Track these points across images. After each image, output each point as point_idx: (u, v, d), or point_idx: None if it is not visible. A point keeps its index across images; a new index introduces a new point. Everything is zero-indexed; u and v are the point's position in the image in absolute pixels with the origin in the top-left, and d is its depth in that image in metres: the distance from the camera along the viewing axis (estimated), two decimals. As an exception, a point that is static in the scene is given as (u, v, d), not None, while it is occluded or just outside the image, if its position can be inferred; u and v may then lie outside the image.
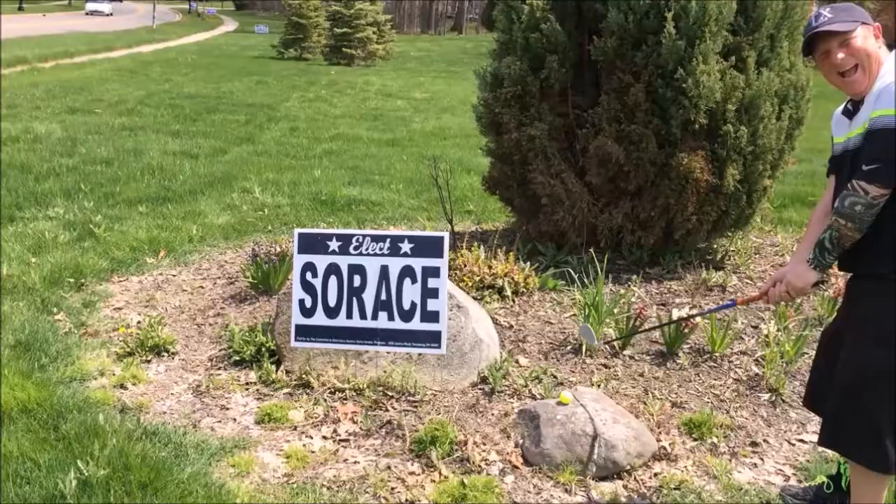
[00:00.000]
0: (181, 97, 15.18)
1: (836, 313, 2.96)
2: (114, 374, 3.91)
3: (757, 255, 5.75)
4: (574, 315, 4.52)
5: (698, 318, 4.18)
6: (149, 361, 4.09)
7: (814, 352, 3.07)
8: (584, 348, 4.13)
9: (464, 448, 3.30)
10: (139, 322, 4.52)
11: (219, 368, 4.02)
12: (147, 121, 12.12)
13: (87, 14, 56.51)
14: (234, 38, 41.49)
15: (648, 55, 4.85)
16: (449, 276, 4.31)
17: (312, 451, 3.32)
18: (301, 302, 3.81)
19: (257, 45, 34.89)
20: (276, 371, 3.89)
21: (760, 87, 4.88)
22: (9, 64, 18.90)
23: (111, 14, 57.67)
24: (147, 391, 3.79)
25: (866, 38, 2.57)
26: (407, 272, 3.72)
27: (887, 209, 2.47)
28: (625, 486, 3.17)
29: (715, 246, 5.67)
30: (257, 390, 3.80)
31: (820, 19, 2.59)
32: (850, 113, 2.66)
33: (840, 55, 2.57)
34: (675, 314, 4.24)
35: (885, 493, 2.73)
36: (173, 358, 4.14)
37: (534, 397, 3.71)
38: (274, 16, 61.09)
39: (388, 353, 3.82)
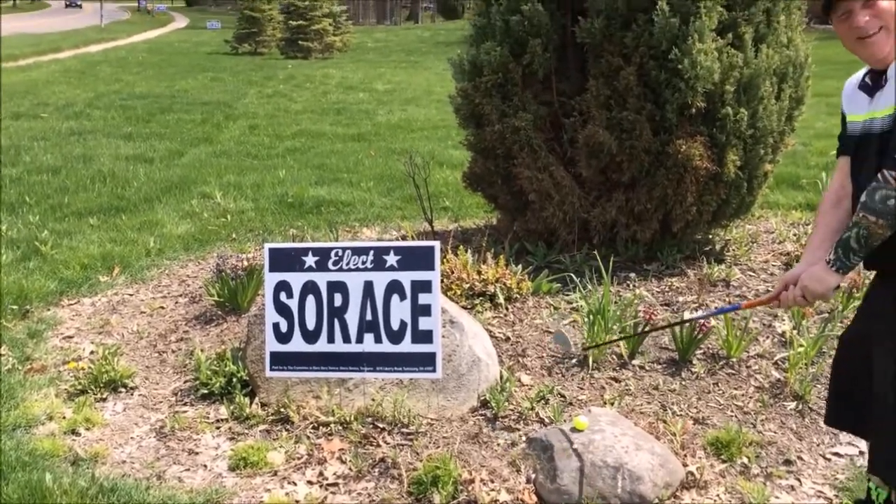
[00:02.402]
0: (132, 97, 14.52)
1: (855, 316, 2.59)
2: (64, 418, 3.44)
3: (755, 244, 5.42)
4: (574, 321, 4.15)
5: (712, 321, 3.82)
6: (104, 400, 3.62)
7: (834, 351, 2.71)
8: (590, 360, 3.76)
9: (470, 488, 2.91)
10: (92, 352, 4.05)
11: (184, 404, 3.57)
12: (97, 124, 11.50)
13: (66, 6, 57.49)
14: (185, 35, 40.45)
15: (639, 35, 4.47)
16: (436, 285, 3.90)
17: (297, 501, 2.90)
18: (276, 326, 3.38)
19: (210, 40, 34.00)
20: (251, 404, 3.46)
21: (759, 65, 4.53)
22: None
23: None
24: (103, 436, 3.33)
25: None
26: (394, 288, 3.31)
27: None
28: (656, 524, 2.81)
29: (712, 237, 5.33)
30: (229, 428, 3.36)
31: None
32: (868, 88, 2.29)
33: (865, 17, 2.19)
34: (687, 317, 3.88)
35: None
36: (132, 394, 3.68)
37: (542, 422, 3.33)
38: (226, 11, 59.87)
39: (376, 379, 3.41)
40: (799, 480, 3.08)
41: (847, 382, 2.52)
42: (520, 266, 4.56)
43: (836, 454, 3.23)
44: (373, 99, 14.99)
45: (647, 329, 3.80)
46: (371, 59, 26.00)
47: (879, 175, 2.13)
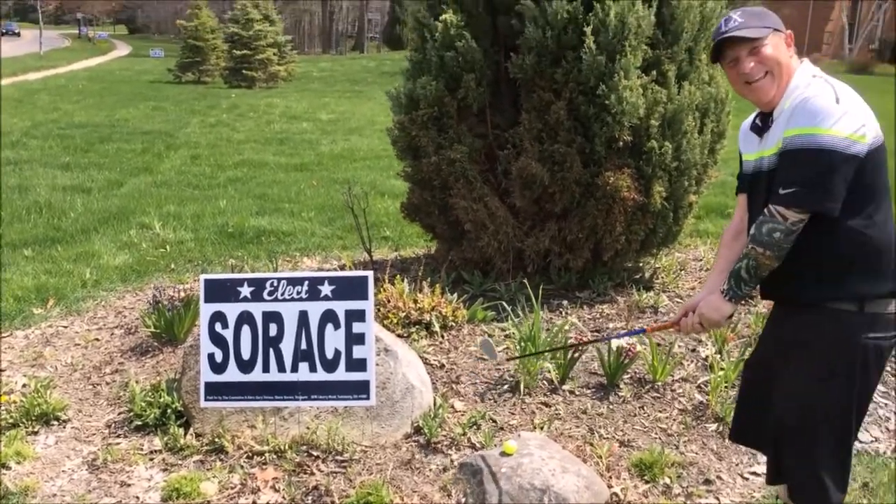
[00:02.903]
0: (71, 126, 14.32)
1: (759, 340, 2.75)
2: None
3: (683, 272, 5.63)
4: (507, 348, 4.25)
5: (638, 346, 3.96)
6: (36, 433, 3.59)
7: None
8: (522, 385, 3.86)
9: (402, 513, 2.97)
10: (24, 385, 4.01)
11: (118, 436, 3.56)
12: (33, 154, 11.32)
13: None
14: (127, 63, 39.99)
15: (569, 71, 4.65)
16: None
17: (230, 531, 2.93)
18: (210, 357, 3.40)
19: (153, 69, 33.70)
20: (185, 435, 3.47)
21: (682, 101, 4.75)
22: None
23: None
24: (34, 469, 3.31)
25: (778, 45, 2.35)
26: (329, 317, 3.36)
27: (806, 233, 2.26)
28: (581, 544, 2.90)
29: (642, 265, 5.52)
30: (163, 460, 3.37)
31: (730, 24, 2.35)
32: (759, 129, 2.45)
33: (750, 64, 2.35)
34: (615, 343, 4.02)
35: None
36: (65, 427, 3.66)
37: (474, 447, 3.41)
38: (169, 39, 59.30)
39: (311, 407, 3.45)
40: (717, 499, 3.22)
41: (750, 402, 2.68)
42: (455, 294, 4.66)
43: (754, 473, 3.38)
44: (316, 129, 15.05)
45: (549, 349, 3.91)
46: (316, 89, 26.07)
47: (766, 210, 2.29)
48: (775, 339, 2.56)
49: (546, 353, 3.93)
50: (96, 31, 68.23)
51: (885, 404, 4.02)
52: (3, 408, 3.75)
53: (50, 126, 14.33)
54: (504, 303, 4.59)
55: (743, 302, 4.78)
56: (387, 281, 4.63)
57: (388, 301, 4.45)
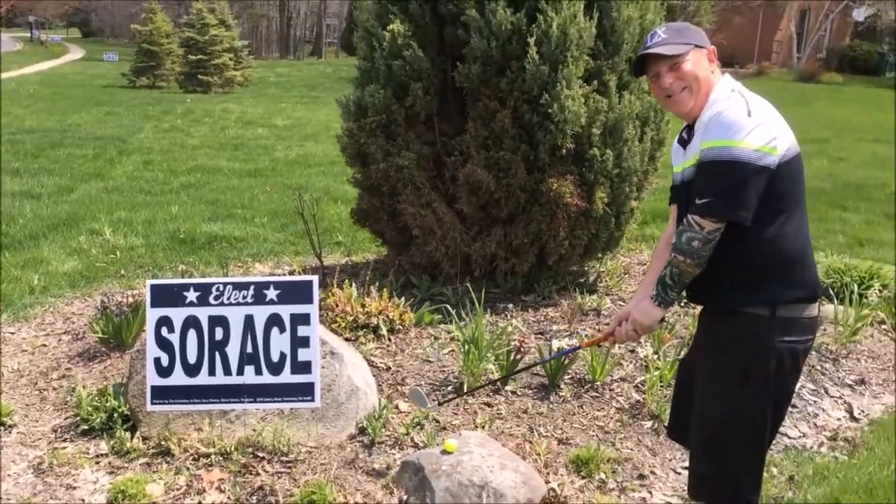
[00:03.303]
0: (21, 132, 14.10)
1: (692, 343, 2.90)
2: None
3: (626, 276, 5.79)
4: (453, 351, 4.36)
5: (580, 351, 4.09)
6: (-19, 438, 3.61)
7: None
8: (465, 386, 3.97)
9: (344, 510, 3.06)
10: (-31, 392, 4.01)
11: (64, 440, 3.59)
12: (-19, 159, 11.15)
13: None
14: (80, 67, 39.32)
15: (513, 81, 4.78)
16: (321, 317, 4.05)
17: (175, 531, 2.99)
18: (157, 361, 3.46)
19: (106, 73, 33.20)
20: (132, 438, 3.50)
21: (623, 109, 4.91)
22: None
23: None
24: (-22, 474, 3.33)
25: (698, 62, 2.49)
26: (274, 321, 3.45)
27: (722, 242, 2.39)
28: (517, 537, 3.01)
29: (587, 269, 5.67)
30: (109, 463, 3.40)
31: (654, 39, 2.50)
32: (683, 142, 2.59)
33: (669, 80, 2.49)
34: (555, 344, 4.15)
35: None
36: (10, 432, 3.67)
37: (417, 446, 3.51)
38: (123, 43, 58.47)
39: (257, 409, 3.52)
40: (650, 493, 3.36)
41: (680, 402, 2.83)
42: (403, 298, 4.76)
43: (687, 468, 3.52)
44: (272, 134, 15.03)
45: (477, 386, 4.00)
46: (272, 94, 25.95)
47: (685, 219, 2.43)
48: (699, 343, 2.71)
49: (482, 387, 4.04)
50: (49, 34, 66.95)
51: (815, 402, 4.20)
52: (-53, 414, 3.76)
53: (-1, 131, 14.10)
54: (450, 306, 4.69)
55: (682, 304, 4.95)
56: (335, 286, 4.70)
57: (336, 305, 4.52)
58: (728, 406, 2.49)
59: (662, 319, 2.66)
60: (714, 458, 2.55)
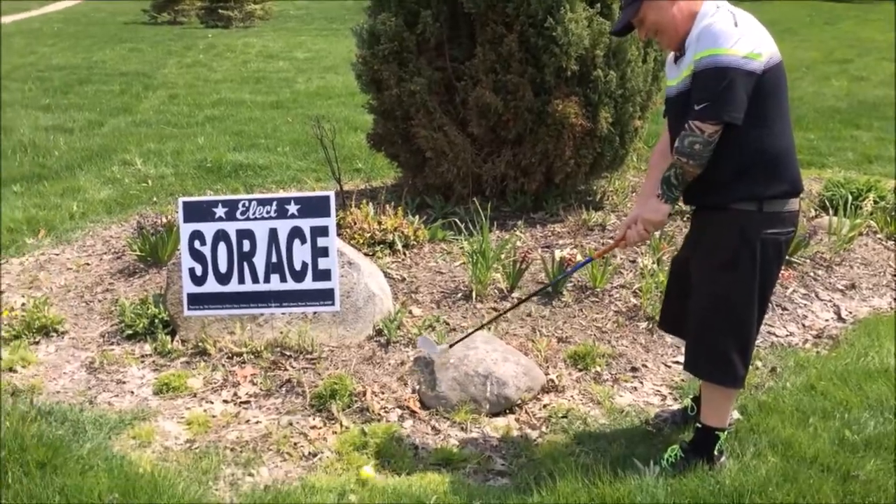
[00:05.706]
0: (49, 69, 14.40)
1: (684, 241, 3.19)
2: (1, 359, 3.82)
3: (633, 194, 6.02)
4: (464, 263, 4.67)
5: (578, 256, 4.39)
6: (37, 343, 4.01)
7: None
8: (474, 294, 4.29)
9: (363, 398, 3.42)
10: (23, 304, 4.40)
11: (112, 344, 3.98)
12: (14, 96, 11.48)
13: None
14: (101, 4, 39.34)
15: (519, 6, 4.96)
16: (340, 234, 4.39)
17: (213, 416, 3.37)
18: (191, 271, 3.82)
19: (127, 9, 33.23)
20: (172, 341, 3.89)
21: (626, 32, 5.07)
22: None
23: None
24: (38, 372, 3.73)
25: (657, 8, 2.75)
26: (296, 233, 3.78)
27: (720, 144, 2.65)
28: (517, 420, 3.37)
29: (594, 188, 5.92)
30: (153, 362, 3.80)
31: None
32: (677, 58, 2.85)
33: (642, 34, 2.92)
34: (558, 254, 4.44)
35: (733, 405, 3.05)
36: (63, 337, 4.07)
37: (428, 344, 3.85)
38: (143, -22, 58.08)
39: (283, 314, 3.88)
40: (642, 383, 3.69)
41: (672, 294, 3.14)
42: (417, 217, 5.05)
43: (677, 362, 3.84)
44: (293, 67, 15.19)
45: (486, 323, 4.30)
46: (292, 27, 25.90)
47: (686, 125, 2.68)
48: (693, 239, 3.00)
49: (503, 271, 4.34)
50: (67, -29, 66.59)
51: (805, 304, 4.48)
52: (5, 322, 4.16)
53: (28, 69, 14.40)
54: (461, 223, 4.98)
55: (685, 219, 5.20)
56: (353, 206, 5.01)
57: (355, 223, 4.84)
58: (720, 288, 2.79)
59: (669, 215, 2.93)
60: (707, 334, 2.85)
